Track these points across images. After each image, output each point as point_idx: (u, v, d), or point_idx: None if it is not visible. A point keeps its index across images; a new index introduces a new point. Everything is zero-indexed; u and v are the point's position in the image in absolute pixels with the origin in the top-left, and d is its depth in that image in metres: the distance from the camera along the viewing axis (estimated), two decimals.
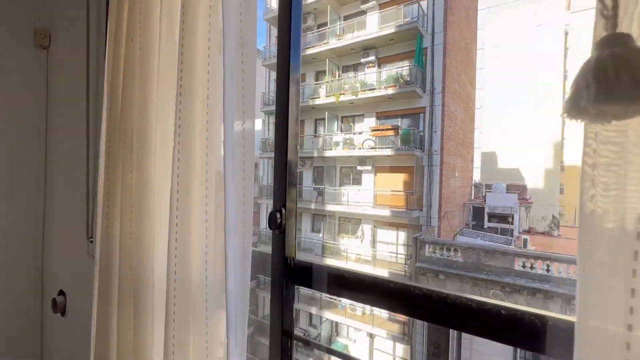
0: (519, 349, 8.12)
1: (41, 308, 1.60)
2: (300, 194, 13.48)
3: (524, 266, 8.44)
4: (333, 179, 13.03)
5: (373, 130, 11.57)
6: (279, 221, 0.76)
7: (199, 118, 0.70)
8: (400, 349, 10.69)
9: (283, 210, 0.76)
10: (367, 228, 12.22)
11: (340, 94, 12.14)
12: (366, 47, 12.17)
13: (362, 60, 12.39)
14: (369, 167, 11.86)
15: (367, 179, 12.14)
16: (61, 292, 1.54)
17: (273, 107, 14.54)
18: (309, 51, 13.31)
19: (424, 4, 11.27)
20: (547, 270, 8.10)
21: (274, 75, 14.91)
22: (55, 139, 1.63)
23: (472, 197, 16.07)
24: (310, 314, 12.96)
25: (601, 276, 0.37)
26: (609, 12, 0.35)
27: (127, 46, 0.80)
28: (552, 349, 0.45)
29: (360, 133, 12.32)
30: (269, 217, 0.76)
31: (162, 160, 0.71)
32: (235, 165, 0.65)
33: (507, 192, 15.34)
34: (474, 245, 9.27)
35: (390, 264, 11.29)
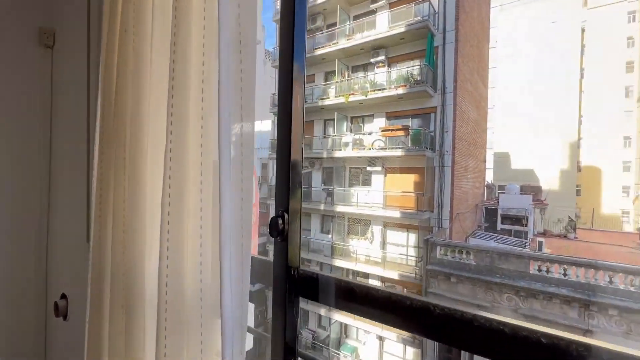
0: None
1: (45, 312, 1.58)
2: (309, 195, 13.42)
3: (539, 270, 8.18)
4: (342, 179, 12.94)
5: (383, 131, 11.44)
6: (280, 227, 0.69)
7: (192, 117, 0.64)
8: (411, 352, 10.51)
9: (285, 216, 0.70)
10: (376, 229, 12.09)
11: (349, 94, 12.05)
12: (376, 47, 12.05)
13: (372, 60, 12.27)
14: (379, 168, 11.73)
15: (377, 179, 12.00)
16: (63, 296, 1.51)
17: None
18: (318, 52, 13.26)
19: (435, 2, 11.09)
20: (565, 275, 7.82)
21: None
22: (59, 140, 1.60)
23: (485, 199, 15.73)
24: (320, 315, 12.88)
25: None
26: None
27: (120, 37, 0.74)
28: None
29: (369, 133, 12.20)
30: (270, 223, 0.70)
31: (155, 162, 0.65)
32: (233, 167, 0.59)
33: (521, 193, 14.95)
34: (487, 247, 9.04)
35: (400, 266, 11.12)
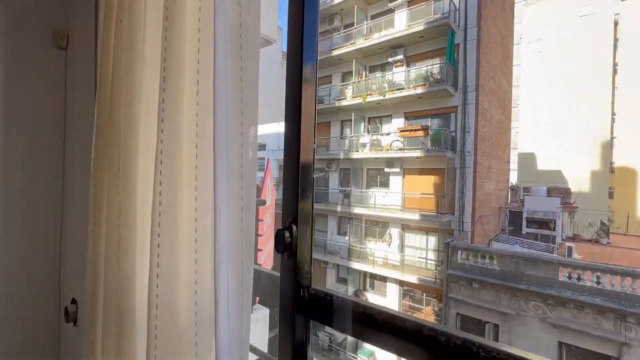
0: (564, 351, 7.40)
1: (58, 317, 1.56)
2: (326, 196, 13.32)
3: (569, 277, 7.71)
4: (359, 181, 12.77)
5: (401, 131, 11.19)
6: (287, 241, 0.60)
7: (186, 116, 0.56)
8: None
9: (294, 228, 0.60)
10: (394, 232, 11.84)
11: (367, 95, 11.88)
12: (394, 46, 11.83)
13: (390, 59, 12.06)
14: (397, 169, 11.48)
15: (395, 181, 11.76)
16: (74, 301, 1.48)
17: None
18: (335, 52, 13.17)
19: None
20: (598, 283, 7.34)
21: None
22: (72, 142, 1.58)
23: (509, 201, 15.10)
24: None
25: None
26: None
27: (116, 29, 0.68)
28: None
29: (387, 134, 11.97)
30: (275, 236, 0.61)
31: (146, 166, 0.57)
32: (232, 173, 0.51)
33: (547, 196, 14.24)
34: (512, 252, 8.62)
35: (419, 270, 10.83)
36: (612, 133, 19.01)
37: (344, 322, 0.58)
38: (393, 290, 11.84)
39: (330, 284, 13.35)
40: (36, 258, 1.56)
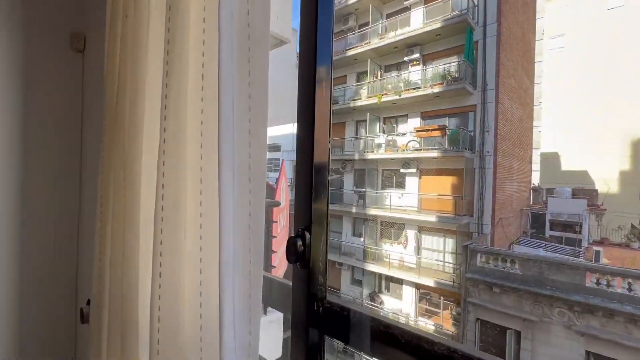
0: (590, 356, 7.01)
1: (74, 318, 1.57)
2: (340, 197, 13.23)
3: (598, 283, 7.32)
4: (375, 182, 12.62)
5: (418, 131, 10.98)
6: (300, 250, 0.54)
7: (190, 115, 0.52)
8: None
9: (307, 235, 0.55)
10: (411, 233, 11.62)
11: (382, 95, 11.73)
12: (410, 45, 11.63)
13: (406, 58, 11.86)
14: (414, 170, 11.26)
15: (412, 182, 11.54)
16: (89, 302, 1.48)
17: None
18: (350, 52, 13.08)
19: None
20: (629, 289, 6.93)
21: None
22: (88, 144, 1.60)
23: (531, 203, 14.54)
24: None
25: None
26: None
27: (123, 24, 0.65)
28: None
29: (403, 134, 11.78)
30: (287, 245, 0.56)
31: (149, 167, 0.53)
32: (238, 176, 0.46)
33: (573, 197, 13.62)
34: (536, 256, 8.28)
35: (436, 273, 10.57)
36: None
37: (362, 339, 0.52)
38: (409, 293, 11.61)
39: (345, 286, 13.24)
40: (55, 259, 1.58)
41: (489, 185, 9.82)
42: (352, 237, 13.36)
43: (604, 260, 11.19)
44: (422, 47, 11.54)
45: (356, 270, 13.10)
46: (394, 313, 11.37)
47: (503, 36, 10.14)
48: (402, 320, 11.26)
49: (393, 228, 12.19)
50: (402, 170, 11.58)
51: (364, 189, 12.62)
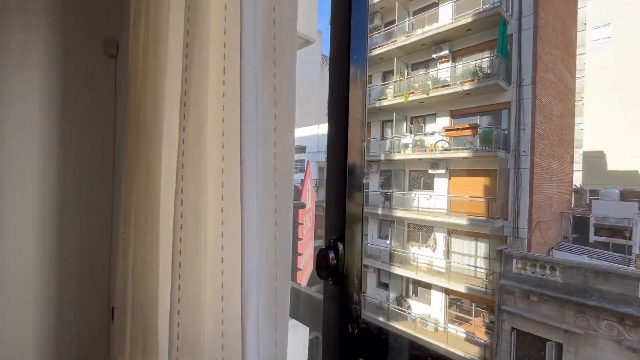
0: None
1: (108, 316, 1.61)
2: (366, 199, 13.04)
3: None
4: (401, 183, 12.31)
5: (447, 131, 10.57)
6: (333, 264, 0.48)
7: (211, 115, 0.48)
8: None
9: (340, 247, 0.49)
10: (439, 237, 11.21)
11: (409, 94, 11.43)
12: (438, 41, 11.24)
13: (434, 55, 11.48)
14: (442, 171, 10.86)
15: (440, 183, 11.14)
16: None
17: None
18: (376, 51, 12.88)
19: None
20: None
21: None
22: (120, 148, 1.63)
23: (573, 205, 13.55)
24: None
25: None
26: None
27: (145, 21, 0.62)
28: None
29: (432, 134, 11.40)
30: (317, 258, 0.49)
31: (169, 170, 0.50)
32: (262, 180, 0.41)
33: (621, 200, 12.52)
34: (579, 263, 7.67)
35: (467, 278, 10.11)
36: None
37: None
38: (438, 298, 11.20)
39: (371, 289, 13.01)
40: (90, 259, 1.63)
41: (526, 187, 9.25)
42: (377, 240, 13.12)
43: None
44: (452, 43, 11.12)
45: (382, 273, 12.84)
46: (422, 318, 11.01)
47: (540, 28, 9.53)
48: (431, 326, 10.86)
49: (421, 231, 11.82)
50: (430, 171, 11.21)
51: (390, 191, 12.35)
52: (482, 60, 10.17)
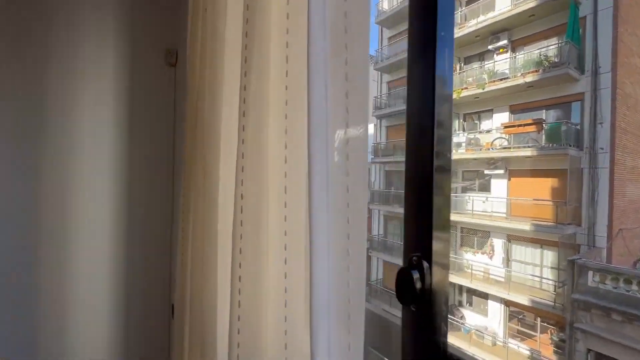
0: None
1: (169, 312, 1.69)
2: (401, 200, 12.49)
3: None
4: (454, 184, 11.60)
5: (506, 127, 9.71)
6: (418, 287, 0.39)
7: (273, 113, 0.42)
8: None
9: (425, 266, 0.40)
10: (497, 243, 10.32)
11: (462, 89, 10.73)
12: (495, 31, 10.39)
13: (490, 46, 10.65)
14: (501, 171, 9.99)
15: (498, 184, 10.26)
16: None
17: (386, 111, 14.15)
18: None
19: None
20: None
21: (386, 78, 14.52)
22: (179, 152, 1.71)
23: None
24: None
25: None
26: None
27: (203, 20, 0.60)
28: None
29: (488, 131, 10.56)
30: (397, 278, 0.41)
31: (227, 173, 0.46)
32: (333, 185, 0.35)
33: None
34: None
35: (531, 290, 9.15)
36: None
37: None
38: (496, 309, 10.31)
39: None
40: (152, 257, 1.74)
41: (604, 189, 8.11)
42: None
43: None
44: (511, 32, 10.21)
45: None
46: (477, 330, 10.22)
47: (622, 6, 8.31)
48: (488, 339, 10.02)
49: (476, 236, 11.00)
50: (486, 172, 10.38)
51: None
52: (548, 48, 9.17)
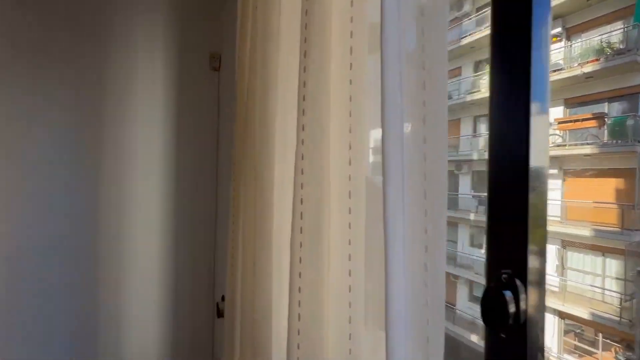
0: None
1: (213, 311, 1.74)
2: (455, 203, 11.92)
3: None
4: None
5: (560, 123, 8.91)
6: (512, 311, 0.33)
7: (335, 108, 0.39)
8: None
9: (517, 284, 0.34)
10: (550, 249, 9.48)
11: None
12: None
13: None
14: (554, 171, 9.18)
15: (551, 185, 9.44)
16: (223, 298, 1.60)
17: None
18: (465, 40, 11.72)
19: None
20: None
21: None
22: (223, 153, 1.76)
23: None
24: (470, 344, 11.14)
25: None
26: None
27: (253, 16, 0.58)
28: None
29: None
30: (484, 298, 0.36)
31: (283, 175, 0.43)
32: (409, 191, 0.30)
33: None
34: None
35: (591, 302, 8.28)
36: None
37: None
38: (549, 321, 9.48)
39: (462, 302, 11.82)
40: (197, 256, 1.80)
41: None
42: (469, 248, 11.87)
43: None
44: (565, 19, 9.35)
45: (475, 285, 11.53)
46: None
47: None
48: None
49: None
50: None
51: (485, 194, 11.01)
52: (611, 34, 8.26)
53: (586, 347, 8.74)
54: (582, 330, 8.87)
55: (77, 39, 1.50)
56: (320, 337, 0.39)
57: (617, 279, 8.08)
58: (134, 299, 1.65)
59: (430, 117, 0.33)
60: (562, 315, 9.03)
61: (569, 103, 9.29)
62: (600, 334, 8.33)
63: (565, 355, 9.01)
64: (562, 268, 9.19)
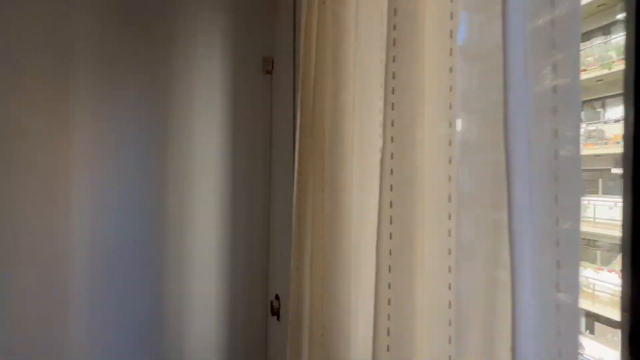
0: None
1: (265, 310, 1.77)
2: None
3: None
4: None
5: None
6: None
7: (430, 97, 0.34)
8: None
9: None
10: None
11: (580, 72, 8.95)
12: None
13: (619, 16, 8.60)
14: None
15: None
16: (277, 297, 1.62)
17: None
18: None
19: None
20: None
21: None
22: (276, 154, 1.78)
23: None
24: None
25: None
26: None
27: (319, 10, 0.56)
28: None
29: (616, 121, 8.54)
30: (631, 321, 0.29)
31: (363, 172, 0.40)
32: (538, 197, 0.25)
33: None
34: None
35: None
36: None
37: None
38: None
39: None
40: (252, 256, 1.84)
41: None
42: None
43: None
44: None
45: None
46: None
47: None
48: None
49: (599, 249, 9.01)
50: (613, 171, 8.40)
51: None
52: None
53: None
54: None
55: (149, 45, 1.64)
56: (412, 353, 0.35)
57: None
58: (195, 294, 1.74)
59: (562, 106, 0.27)
60: None
61: None
62: None
63: None
64: None
